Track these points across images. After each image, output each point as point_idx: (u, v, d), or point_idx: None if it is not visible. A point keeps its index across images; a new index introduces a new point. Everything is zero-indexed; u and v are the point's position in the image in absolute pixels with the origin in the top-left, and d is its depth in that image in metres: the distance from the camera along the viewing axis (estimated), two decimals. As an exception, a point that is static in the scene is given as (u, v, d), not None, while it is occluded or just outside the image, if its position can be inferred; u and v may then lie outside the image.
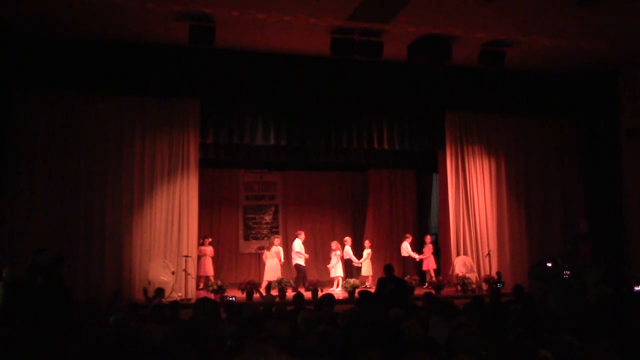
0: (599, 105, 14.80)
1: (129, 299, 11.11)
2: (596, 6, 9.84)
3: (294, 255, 14.35)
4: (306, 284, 13.32)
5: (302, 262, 14.26)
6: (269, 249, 14.13)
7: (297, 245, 14.40)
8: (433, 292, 12.29)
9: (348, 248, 14.84)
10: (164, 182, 12.67)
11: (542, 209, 14.90)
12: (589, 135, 15.06)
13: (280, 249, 14.25)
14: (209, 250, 14.69)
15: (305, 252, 14.47)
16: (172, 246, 12.60)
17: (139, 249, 12.38)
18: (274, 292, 12.53)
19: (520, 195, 14.80)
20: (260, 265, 15.35)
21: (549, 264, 8.73)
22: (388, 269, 9.87)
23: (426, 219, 17.47)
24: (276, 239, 14.50)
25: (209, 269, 14.57)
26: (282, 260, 14.18)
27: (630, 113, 13.99)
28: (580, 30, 11.75)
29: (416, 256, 15.23)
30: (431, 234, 16.25)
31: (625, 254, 13.72)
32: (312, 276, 14.71)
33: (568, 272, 8.54)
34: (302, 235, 14.62)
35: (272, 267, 13.80)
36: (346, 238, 15.17)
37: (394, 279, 9.46)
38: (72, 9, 10.52)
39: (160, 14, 10.66)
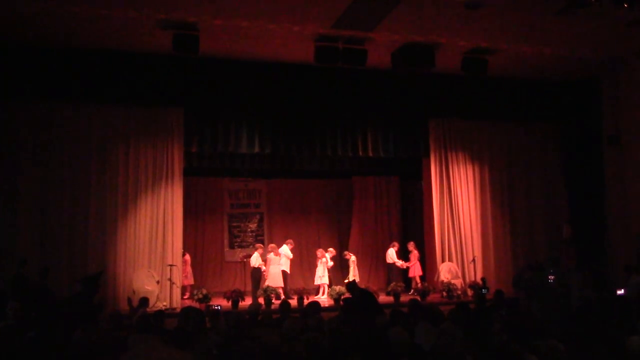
0: (581, 112, 14.95)
1: (113, 309, 11.01)
2: (575, 15, 9.97)
3: (280, 262, 14.33)
4: (287, 290, 13.51)
5: (287, 269, 14.27)
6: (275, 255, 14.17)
7: (285, 249, 14.40)
8: (419, 298, 12.32)
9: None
10: (148, 191, 12.61)
11: (526, 215, 15.02)
12: (572, 141, 15.22)
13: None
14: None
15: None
16: (157, 255, 12.53)
17: (123, 258, 12.29)
18: (261, 300, 12.51)
19: (504, 201, 14.92)
20: (245, 273, 15.28)
21: (533, 270, 8.81)
22: (352, 287, 9.74)
23: (411, 226, 17.49)
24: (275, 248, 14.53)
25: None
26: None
27: (612, 119, 14.15)
28: (561, 38, 11.88)
29: (403, 264, 15.22)
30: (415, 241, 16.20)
31: (608, 258, 13.85)
32: (297, 284, 14.69)
33: (552, 277, 8.61)
34: (291, 245, 14.61)
35: (275, 274, 13.87)
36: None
37: (362, 293, 9.26)
38: (55, 18, 10.45)
39: (143, 22, 10.63)
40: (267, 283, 13.60)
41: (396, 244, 15.66)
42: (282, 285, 13.82)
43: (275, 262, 14.04)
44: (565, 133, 15.36)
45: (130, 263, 12.33)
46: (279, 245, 14.69)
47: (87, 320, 7.00)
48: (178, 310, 11.46)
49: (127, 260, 12.33)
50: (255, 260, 14.13)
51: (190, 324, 6.27)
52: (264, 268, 14.03)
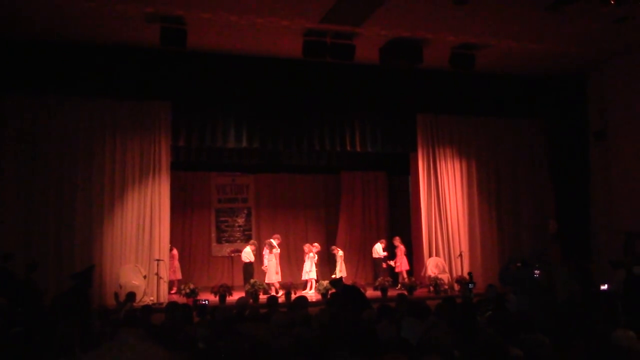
0: (568, 108, 15.05)
1: (100, 304, 10.97)
2: (562, 11, 10.02)
3: (265, 257, 14.36)
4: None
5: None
6: (270, 251, 14.20)
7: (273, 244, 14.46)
8: (406, 293, 12.37)
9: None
10: (135, 185, 12.55)
11: (512, 210, 15.11)
12: (558, 137, 15.31)
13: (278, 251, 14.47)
14: None
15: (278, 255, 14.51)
16: (144, 250, 12.49)
17: (110, 253, 12.23)
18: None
19: (490, 196, 14.99)
20: (233, 268, 15.27)
21: (518, 265, 8.85)
22: (335, 284, 9.75)
23: (398, 221, 17.54)
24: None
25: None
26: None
27: (598, 115, 14.26)
28: (549, 34, 11.94)
29: (392, 263, 15.27)
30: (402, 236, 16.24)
31: (593, 253, 13.97)
32: (285, 278, 14.69)
33: (538, 272, 8.66)
34: (278, 240, 14.60)
35: (273, 267, 14.05)
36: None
37: (346, 289, 9.24)
38: (41, 11, 10.37)
39: (131, 16, 10.56)
40: (272, 278, 13.86)
41: (384, 240, 15.75)
42: (280, 280, 13.95)
43: (270, 259, 14.15)
44: (552, 129, 15.45)
45: (117, 258, 12.27)
46: (266, 240, 14.72)
47: (82, 314, 6.96)
48: (165, 305, 11.42)
49: (114, 254, 12.27)
50: (247, 255, 14.17)
51: (177, 319, 6.26)
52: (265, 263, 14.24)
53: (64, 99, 12.16)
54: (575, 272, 10.20)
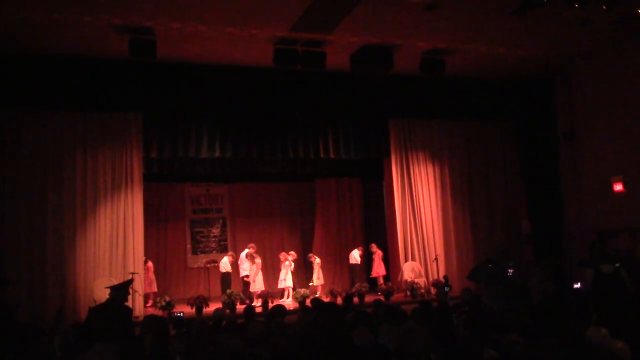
0: (537, 110, 15.26)
1: (74, 319, 10.80)
2: (529, 15, 10.16)
3: (242, 267, 14.32)
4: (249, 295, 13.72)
5: (249, 273, 14.26)
6: (252, 262, 14.18)
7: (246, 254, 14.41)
8: (382, 298, 12.40)
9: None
10: (108, 198, 12.41)
11: (486, 212, 15.25)
12: (528, 139, 15.53)
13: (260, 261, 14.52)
14: None
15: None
16: (118, 263, 12.33)
17: (84, 267, 12.06)
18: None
19: (464, 199, 15.12)
20: (209, 279, 15.16)
21: (490, 265, 8.92)
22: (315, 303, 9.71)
23: (374, 226, 17.60)
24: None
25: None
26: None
27: (567, 116, 14.47)
28: (516, 38, 12.10)
29: (375, 272, 15.40)
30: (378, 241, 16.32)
31: (566, 252, 14.14)
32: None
33: (512, 271, 8.73)
34: (253, 249, 14.55)
35: (258, 278, 14.16)
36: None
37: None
38: (6, 23, 10.21)
39: (99, 27, 10.45)
40: (256, 287, 13.97)
41: (361, 247, 15.83)
42: (264, 288, 13.93)
43: (255, 268, 14.19)
44: (522, 130, 15.66)
45: (90, 272, 12.10)
46: (241, 250, 14.65)
47: (122, 323, 6.85)
48: (141, 318, 11.30)
49: (88, 269, 12.09)
50: (225, 266, 14.11)
51: (153, 333, 6.19)
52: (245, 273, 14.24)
53: (32, 113, 11.98)
54: (549, 272, 10.33)
